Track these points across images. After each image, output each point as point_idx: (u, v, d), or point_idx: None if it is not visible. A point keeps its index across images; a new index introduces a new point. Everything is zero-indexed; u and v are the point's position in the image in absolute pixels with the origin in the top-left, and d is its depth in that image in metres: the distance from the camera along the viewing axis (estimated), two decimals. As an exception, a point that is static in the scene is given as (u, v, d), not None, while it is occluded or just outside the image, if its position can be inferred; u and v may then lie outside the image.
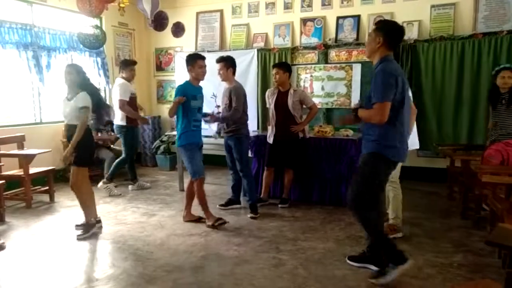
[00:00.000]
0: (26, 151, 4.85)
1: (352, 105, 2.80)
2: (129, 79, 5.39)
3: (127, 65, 5.43)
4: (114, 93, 5.34)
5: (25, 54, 5.42)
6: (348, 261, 3.15)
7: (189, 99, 3.87)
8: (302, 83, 6.36)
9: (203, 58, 4.03)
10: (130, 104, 5.30)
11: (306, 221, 4.21)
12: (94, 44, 5.75)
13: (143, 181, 5.78)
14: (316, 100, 5.91)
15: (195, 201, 4.11)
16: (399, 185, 3.70)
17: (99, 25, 6.31)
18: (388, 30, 2.75)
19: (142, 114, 5.91)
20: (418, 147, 4.00)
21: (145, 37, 7.59)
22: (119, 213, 4.56)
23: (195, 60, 3.97)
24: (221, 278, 2.96)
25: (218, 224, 3.99)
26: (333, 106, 6.21)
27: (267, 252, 3.41)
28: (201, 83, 4.12)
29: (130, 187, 5.60)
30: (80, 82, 3.76)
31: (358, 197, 2.80)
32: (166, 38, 7.34)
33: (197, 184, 3.99)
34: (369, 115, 2.73)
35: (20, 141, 4.96)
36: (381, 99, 2.61)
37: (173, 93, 5.44)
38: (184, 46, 7.29)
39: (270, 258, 3.28)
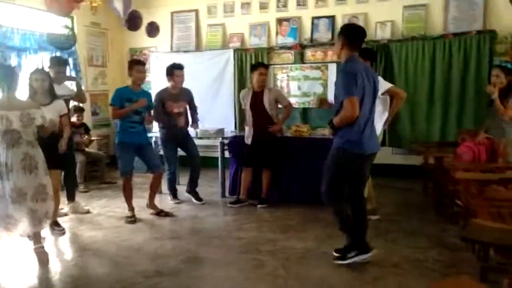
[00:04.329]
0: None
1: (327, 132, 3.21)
2: (57, 81, 4.38)
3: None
4: None
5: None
6: (334, 253, 3.20)
7: (123, 101, 4.15)
8: (278, 83, 6.38)
9: (143, 64, 4.38)
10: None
11: (285, 220, 4.22)
12: (65, 44, 5.59)
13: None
14: (293, 100, 5.96)
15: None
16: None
17: (69, 25, 6.14)
18: (347, 32, 3.01)
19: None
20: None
21: (119, 37, 7.43)
22: (94, 217, 4.45)
23: (133, 66, 4.24)
24: (200, 281, 2.93)
25: (128, 220, 4.22)
26: (310, 106, 6.26)
27: (247, 253, 3.40)
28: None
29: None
30: (51, 88, 3.71)
31: (327, 190, 3.08)
32: (141, 38, 7.20)
33: (124, 181, 4.29)
34: (342, 116, 2.90)
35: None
36: (347, 94, 2.82)
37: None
38: (159, 46, 7.18)
39: (250, 260, 3.27)
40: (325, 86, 6.16)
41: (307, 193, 4.73)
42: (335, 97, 3.02)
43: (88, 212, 4.60)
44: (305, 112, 6.30)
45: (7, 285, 2.92)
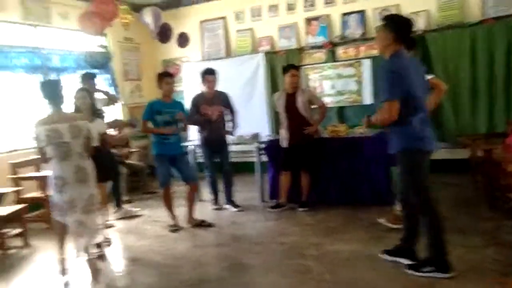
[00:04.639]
0: (44, 173, 4.86)
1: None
2: None
3: None
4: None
5: (34, 77, 5.46)
6: (382, 255, 3.10)
7: (154, 114, 4.22)
8: (311, 84, 6.29)
9: (171, 75, 4.46)
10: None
11: (327, 223, 4.13)
12: (101, 62, 5.77)
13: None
14: (327, 100, 5.86)
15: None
16: None
17: (104, 42, 6.34)
18: (396, 25, 2.76)
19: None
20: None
21: (151, 50, 7.60)
22: (138, 227, 4.54)
23: (161, 78, 4.30)
24: (246, 289, 2.90)
25: (171, 230, 4.27)
26: (345, 104, 6.12)
27: (290, 259, 3.34)
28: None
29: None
30: (93, 106, 3.92)
31: (419, 201, 2.80)
32: (172, 49, 7.34)
33: (164, 192, 4.33)
34: (379, 117, 2.77)
35: (37, 164, 4.98)
36: (387, 97, 2.66)
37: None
38: (190, 56, 7.29)
39: (295, 265, 3.21)
40: (359, 83, 6.01)
41: (346, 194, 4.62)
42: (378, 93, 2.88)
43: (138, 215, 4.89)
44: (341, 111, 6.17)
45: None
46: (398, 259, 3.00)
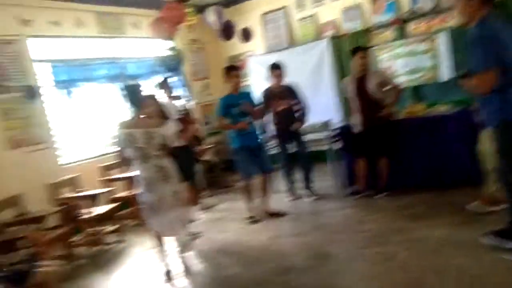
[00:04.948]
0: (130, 174, 5.23)
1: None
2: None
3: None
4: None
5: (114, 85, 5.90)
6: (483, 238, 2.86)
7: (229, 109, 4.29)
8: (382, 65, 6.02)
9: (237, 68, 4.56)
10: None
11: (410, 208, 3.95)
12: (173, 65, 6.04)
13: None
14: (401, 79, 5.58)
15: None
16: None
17: (174, 45, 6.62)
18: None
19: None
20: None
21: (216, 48, 7.79)
22: (219, 220, 4.72)
23: (228, 72, 4.37)
24: (332, 277, 2.89)
25: (251, 221, 4.34)
26: (421, 83, 5.79)
27: (375, 246, 3.26)
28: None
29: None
30: (161, 111, 4.10)
31: (505, 175, 2.62)
32: (237, 45, 7.45)
33: (244, 184, 4.41)
34: (474, 85, 2.55)
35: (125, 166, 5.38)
36: (484, 65, 2.44)
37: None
38: (254, 49, 7.35)
39: (380, 253, 3.13)
40: (435, 58, 5.63)
41: (429, 177, 4.37)
42: (470, 62, 2.64)
43: (215, 205, 5.23)
44: (416, 90, 5.83)
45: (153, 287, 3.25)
46: (503, 241, 2.75)
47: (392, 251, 3.10)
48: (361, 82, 4.37)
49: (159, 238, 3.46)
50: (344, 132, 4.81)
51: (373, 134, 4.35)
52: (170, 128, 4.11)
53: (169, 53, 6.03)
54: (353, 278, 2.84)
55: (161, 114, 4.11)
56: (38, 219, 3.89)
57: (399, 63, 5.90)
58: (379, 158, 4.46)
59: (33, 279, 2.61)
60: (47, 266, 2.84)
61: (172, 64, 6.03)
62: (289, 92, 4.83)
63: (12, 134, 4.77)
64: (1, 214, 3.80)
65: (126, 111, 3.52)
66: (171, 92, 4.90)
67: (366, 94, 4.34)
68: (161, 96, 4.68)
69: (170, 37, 5.71)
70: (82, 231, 4.38)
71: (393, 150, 4.42)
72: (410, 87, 5.80)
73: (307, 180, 4.93)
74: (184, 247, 3.57)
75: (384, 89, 4.39)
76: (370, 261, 3.02)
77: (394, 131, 4.38)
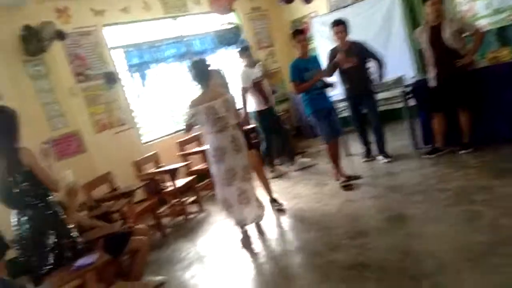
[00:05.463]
0: (205, 147, 5.47)
1: None
2: (250, 65, 5.21)
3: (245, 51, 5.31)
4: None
5: (182, 64, 6.10)
6: None
7: (302, 73, 4.17)
8: (459, 8, 5.44)
9: (302, 32, 4.47)
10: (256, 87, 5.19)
11: (497, 164, 3.64)
12: (233, 38, 6.07)
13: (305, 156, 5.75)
14: (483, 22, 5.02)
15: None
16: None
17: (233, 20, 6.62)
18: None
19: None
20: None
21: (279, 14, 7.64)
22: (291, 187, 4.77)
23: (294, 36, 4.28)
24: (410, 239, 2.81)
25: (345, 186, 4.16)
26: (507, 23, 5.14)
27: (456, 206, 3.08)
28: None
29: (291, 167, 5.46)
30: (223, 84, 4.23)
31: None
32: (299, 8, 7.22)
33: (330, 146, 4.29)
34: None
35: (198, 139, 5.64)
36: None
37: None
38: (317, 10, 7.07)
39: (462, 212, 2.95)
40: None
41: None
42: None
43: (287, 172, 5.35)
44: (501, 33, 5.21)
45: (236, 253, 3.42)
46: None
47: (478, 209, 2.90)
48: (435, 31, 4.02)
49: (228, 211, 3.60)
50: (418, 87, 4.51)
51: (452, 86, 4.01)
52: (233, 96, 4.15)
53: (229, 26, 6.05)
54: (431, 240, 2.72)
55: (225, 85, 4.23)
56: (127, 194, 4.26)
57: (479, 4, 5.27)
58: (460, 111, 4.12)
59: (128, 246, 2.91)
60: (140, 235, 3.13)
61: (232, 38, 6.06)
62: (358, 49, 4.59)
63: (98, 118, 5.28)
64: (96, 190, 4.22)
65: (194, 88, 3.65)
66: (250, 60, 5.20)
67: (441, 44, 3.98)
68: (241, 64, 5.09)
69: (229, 9, 5.72)
70: (166, 203, 4.73)
71: (475, 101, 4.05)
72: (494, 30, 5.18)
73: (381, 142, 4.74)
74: (258, 216, 3.69)
75: (464, 35, 3.98)
76: (452, 222, 2.86)
77: (475, 81, 3.99)
